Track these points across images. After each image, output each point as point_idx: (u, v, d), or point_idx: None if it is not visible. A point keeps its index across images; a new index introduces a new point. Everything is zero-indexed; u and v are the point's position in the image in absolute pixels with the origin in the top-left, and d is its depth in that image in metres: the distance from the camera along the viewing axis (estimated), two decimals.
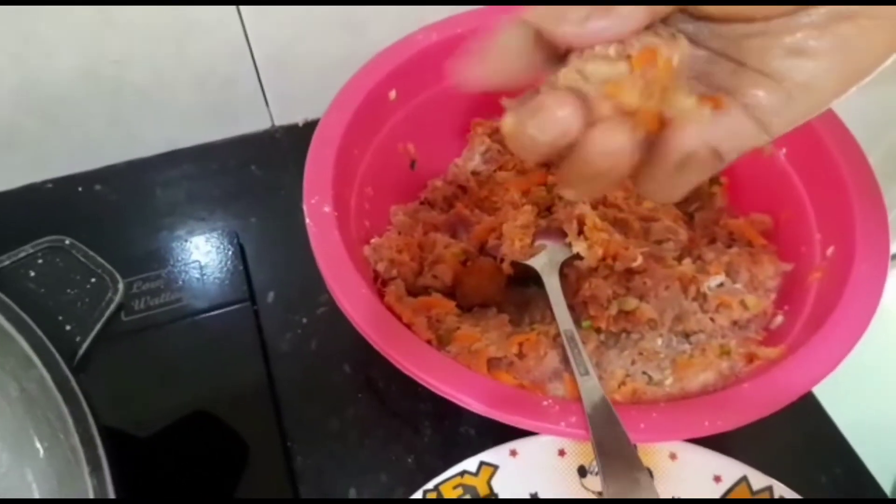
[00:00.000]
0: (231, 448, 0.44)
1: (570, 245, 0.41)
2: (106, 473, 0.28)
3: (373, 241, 0.42)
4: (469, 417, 0.41)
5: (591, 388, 0.32)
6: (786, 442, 0.40)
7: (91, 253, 0.36)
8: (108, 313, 0.34)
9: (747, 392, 0.32)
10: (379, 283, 0.41)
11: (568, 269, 0.42)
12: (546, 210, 0.46)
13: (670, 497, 0.35)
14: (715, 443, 0.36)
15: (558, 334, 0.37)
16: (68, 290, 0.34)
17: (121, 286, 0.34)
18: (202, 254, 0.49)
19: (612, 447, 0.30)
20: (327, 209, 0.37)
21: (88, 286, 0.34)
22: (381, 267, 0.41)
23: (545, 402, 0.31)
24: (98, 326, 0.33)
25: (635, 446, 0.32)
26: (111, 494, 0.28)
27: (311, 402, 0.43)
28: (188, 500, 0.42)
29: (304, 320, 0.46)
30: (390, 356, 0.32)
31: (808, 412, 0.42)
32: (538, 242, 0.42)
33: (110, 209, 0.52)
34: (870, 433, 0.44)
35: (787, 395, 0.31)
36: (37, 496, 0.29)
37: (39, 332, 0.31)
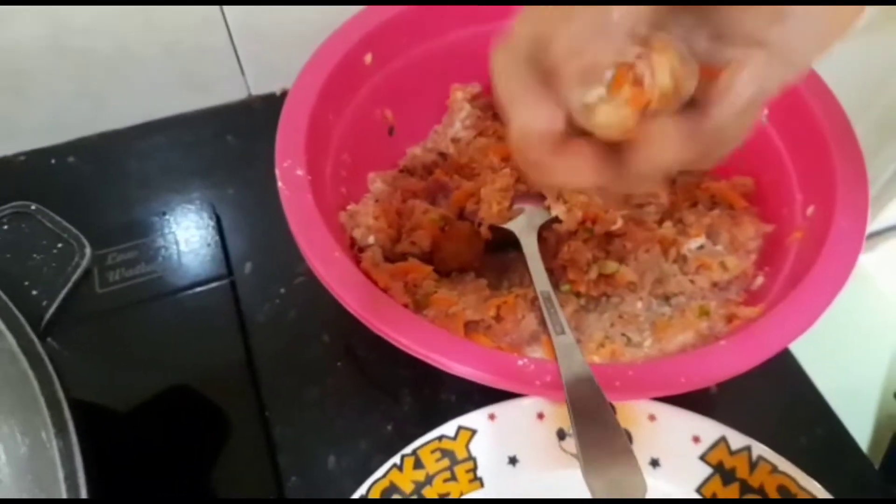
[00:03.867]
0: (211, 421, 0.44)
1: (549, 208, 0.41)
2: (72, 435, 0.27)
3: (349, 207, 0.41)
4: (449, 384, 0.40)
5: (566, 346, 0.32)
6: (765, 404, 0.40)
7: (57, 218, 0.35)
8: (74, 278, 0.33)
9: (724, 349, 0.31)
10: (355, 251, 0.40)
11: (547, 233, 0.41)
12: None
13: (648, 458, 0.35)
14: (694, 404, 0.36)
15: (537, 298, 0.37)
16: (34, 256, 0.33)
17: (88, 251, 0.34)
18: (178, 225, 0.48)
19: (588, 407, 0.30)
20: (300, 172, 0.36)
21: (55, 251, 0.33)
22: (357, 234, 0.40)
23: (520, 362, 0.30)
24: (65, 291, 0.32)
25: (613, 406, 0.32)
26: (77, 456, 0.27)
27: (290, 372, 0.42)
28: (169, 475, 0.41)
29: (283, 290, 0.45)
30: (363, 317, 0.31)
31: (787, 374, 0.41)
32: (517, 206, 0.41)
33: (84, 181, 0.51)
34: (849, 395, 0.44)
35: (763, 352, 0.31)
36: (3, 459, 0.29)
37: (4, 297, 0.30)
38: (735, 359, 0.30)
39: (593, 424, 0.30)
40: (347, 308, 0.31)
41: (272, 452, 0.40)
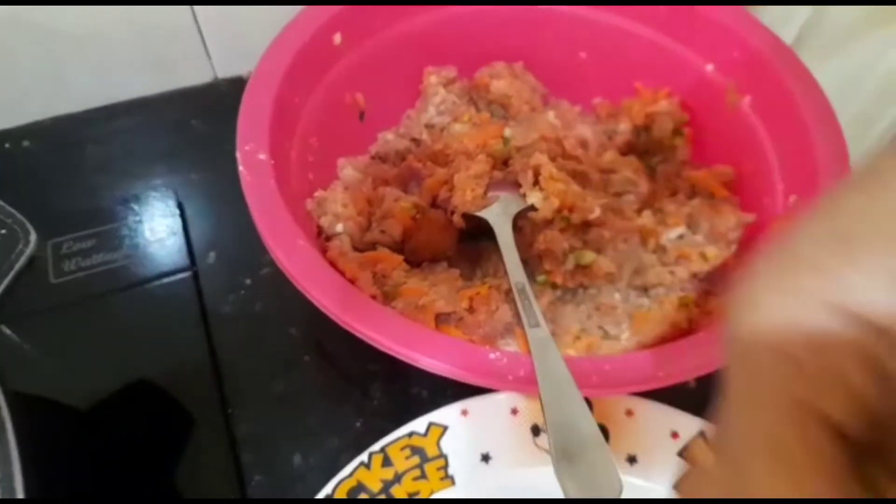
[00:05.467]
0: (172, 417, 0.42)
1: (524, 196, 0.39)
2: (9, 434, 0.25)
3: (317, 194, 0.39)
4: (420, 378, 0.39)
5: (541, 340, 0.30)
6: None
7: (1, 203, 0.33)
8: (18, 266, 0.31)
9: (703, 341, 0.30)
10: (322, 240, 0.38)
11: (523, 223, 0.40)
12: (503, 164, 0.43)
13: (625, 454, 0.34)
14: (672, 399, 0.35)
15: (511, 289, 0.35)
16: None
17: (33, 238, 0.32)
18: (139, 213, 0.46)
19: (562, 402, 0.29)
20: (263, 156, 0.34)
21: None
22: (325, 222, 0.38)
23: (493, 356, 0.29)
24: (8, 279, 0.30)
25: (589, 402, 0.31)
26: (14, 455, 0.25)
27: (255, 366, 0.41)
28: (130, 472, 0.39)
29: (248, 281, 0.43)
30: (327, 309, 0.29)
31: None
32: (491, 194, 0.40)
33: (40, 166, 0.49)
34: None
35: None
36: None
37: None
38: (716, 352, 0.29)
39: (567, 421, 0.28)
40: (311, 299, 0.30)
41: (235, 450, 0.38)
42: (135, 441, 0.41)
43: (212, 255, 0.44)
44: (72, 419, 0.42)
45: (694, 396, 0.38)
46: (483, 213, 0.39)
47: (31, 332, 0.42)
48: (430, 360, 0.28)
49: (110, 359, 0.42)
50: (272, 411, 0.39)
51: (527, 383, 0.29)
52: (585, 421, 0.28)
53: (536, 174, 0.39)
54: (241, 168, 0.33)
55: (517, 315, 0.35)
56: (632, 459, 0.34)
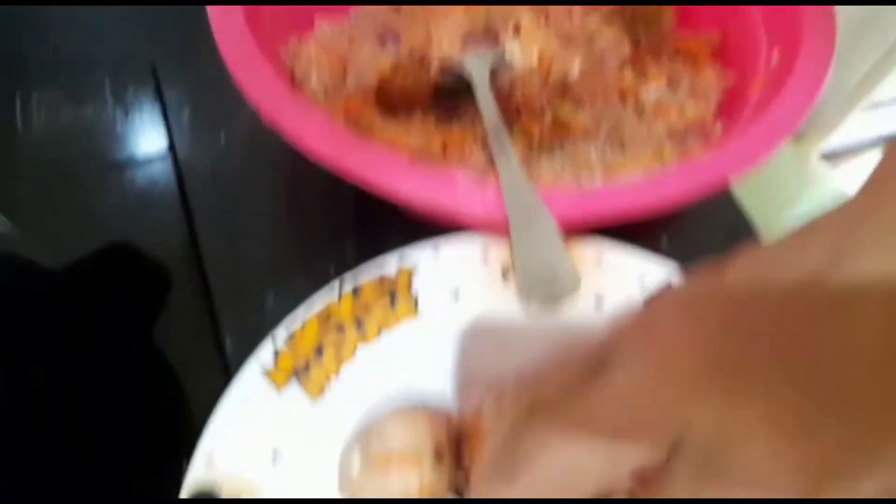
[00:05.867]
0: (149, 277, 0.42)
1: (503, 51, 0.38)
2: None
3: (291, 42, 0.38)
4: (394, 224, 0.38)
5: (512, 172, 0.30)
6: (714, 247, 0.39)
7: None
8: None
9: (673, 177, 0.30)
10: (296, 87, 0.38)
11: (501, 80, 0.39)
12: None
13: (592, 296, 0.34)
14: (641, 244, 0.35)
15: (486, 136, 0.35)
16: None
17: None
18: (108, 65, 0.45)
19: (528, 219, 0.29)
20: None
21: None
22: (298, 69, 0.37)
23: (462, 177, 0.29)
24: None
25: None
26: None
27: (230, 220, 0.41)
28: (108, 333, 0.40)
29: (223, 136, 0.43)
30: (289, 134, 0.29)
31: (737, 218, 0.41)
32: (470, 47, 0.39)
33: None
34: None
35: (713, 181, 0.30)
36: None
37: None
38: (684, 187, 0.29)
39: (532, 239, 0.29)
40: (272, 123, 0.29)
41: (211, 304, 0.39)
42: (111, 301, 0.41)
43: (186, 111, 0.43)
44: (44, 279, 0.42)
45: (664, 253, 0.39)
46: (461, 64, 0.38)
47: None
48: (400, 182, 0.28)
49: (83, 219, 0.42)
50: (246, 259, 0.39)
51: (496, 209, 0.29)
52: (551, 236, 0.28)
53: (517, 28, 0.38)
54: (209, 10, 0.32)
55: (491, 160, 0.34)
56: (598, 299, 0.34)
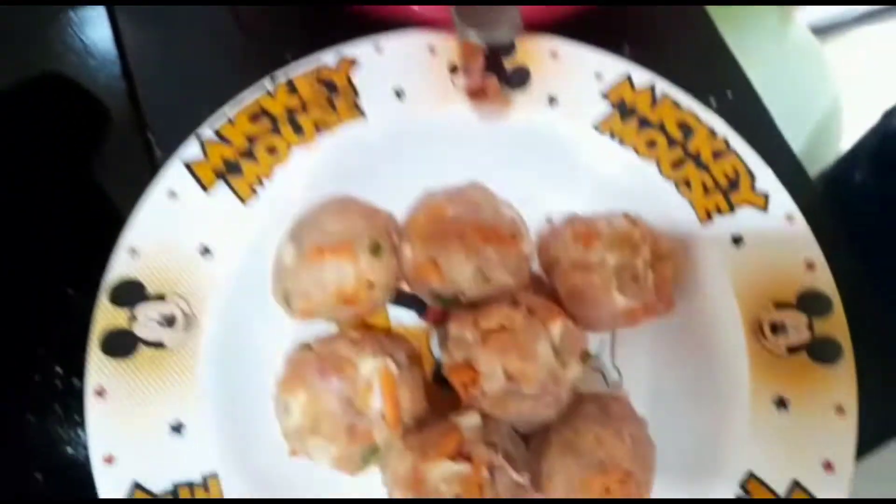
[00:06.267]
0: (85, 109, 0.40)
1: None
2: None
3: None
4: (337, 24, 0.35)
5: None
6: (677, 62, 0.36)
7: None
8: None
9: None
10: None
11: None
12: None
13: (546, 95, 0.32)
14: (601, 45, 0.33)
15: None
16: None
17: None
18: None
19: None
20: None
21: None
22: None
23: None
24: None
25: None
26: None
27: (163, 36, 0.37)
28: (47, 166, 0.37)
29: None
30: None
31: (705, 32, 0.38)
32: None
33: None
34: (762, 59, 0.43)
35: None
36: None
37: None
38: None
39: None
40: None
41: (142, 126, 0.36)
42: (48, 133, 0.39)
43: None
44: None
45: (626, 51, 0.36)
46: None
47: None
48: None
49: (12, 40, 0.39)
50: (182, 83, 0.36)
51: None
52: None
53: None
54: None
55: None
56: (552, 100, 0.32)
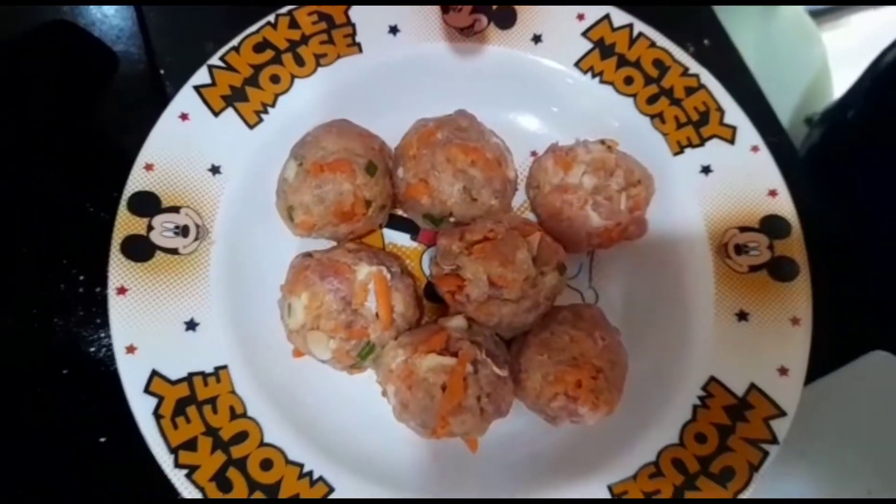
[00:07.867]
0: (95, 54, 0.42)
1: None
2: None
3: None
4: None
5: None
6: (661, 9, 0.38)
7: None
8: None
9: None
10: None
11: None
12: None
13: (531, 34, 0.34)
14: None
15: None
16: None
17: None
18: None
19: None
20: None
21: None
22: None
23: None
24: None
25: None
26: None
27: None
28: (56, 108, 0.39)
29: None
30: None
31: None
32: None
33: None
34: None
35: None
36: None
37: None
38: None
39: None
40: None
41: (153, 64, 0.38)
42: (58, 77, 0.41)
43: None
44: None
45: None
46: None
47: None
48: None
49: None
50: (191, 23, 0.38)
51: None
52: None
53: None
54: None
55: None
56: (536, 38, 0.34)
